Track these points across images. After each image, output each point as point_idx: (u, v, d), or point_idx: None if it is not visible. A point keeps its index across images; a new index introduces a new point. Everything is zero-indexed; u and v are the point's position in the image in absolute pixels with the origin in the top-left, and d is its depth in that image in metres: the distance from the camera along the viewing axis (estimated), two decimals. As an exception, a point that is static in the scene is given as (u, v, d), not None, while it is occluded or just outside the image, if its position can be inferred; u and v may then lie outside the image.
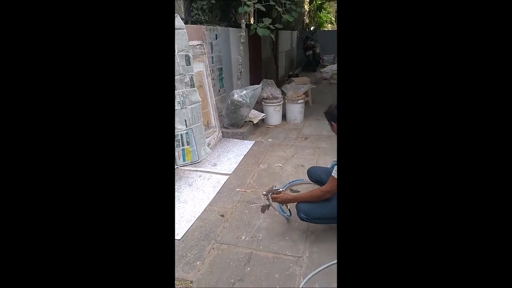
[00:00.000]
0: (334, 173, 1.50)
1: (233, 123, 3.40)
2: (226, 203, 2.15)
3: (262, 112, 3.86)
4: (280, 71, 6.71)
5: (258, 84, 3.61)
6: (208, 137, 3.07)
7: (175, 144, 2.63)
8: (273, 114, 3.85)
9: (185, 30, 2.66)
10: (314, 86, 4.56)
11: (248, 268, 1.56)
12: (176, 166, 2.66)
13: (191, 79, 2.74)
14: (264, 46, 5.42)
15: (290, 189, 2.33)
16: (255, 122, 3.64)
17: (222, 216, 2.01)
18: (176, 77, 2.54)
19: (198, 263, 1.60)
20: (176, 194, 2.27)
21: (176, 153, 2.65)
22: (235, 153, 3.00)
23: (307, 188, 2.26)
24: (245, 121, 3.59)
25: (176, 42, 2.53)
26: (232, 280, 1.48)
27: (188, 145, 2.70)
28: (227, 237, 1.80)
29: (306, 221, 1.67)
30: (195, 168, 2.66)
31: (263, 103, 3.88)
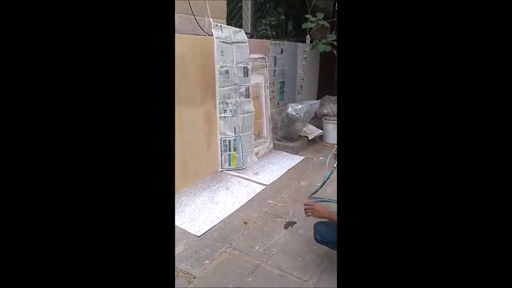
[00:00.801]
0: None
1: (286, 136, 3.42)
2: (253, 212, 2.18)
3: (321, 129, 3.76)
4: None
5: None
6: (257, 147, 3.16)
7: (223, 148, 2.80)
8: (332, 132, 3.71)
9: (247, 44, 2.83)
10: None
11: (250, 279, 1.55)
12: (220, 169, 2.82)
13: (247, 90, 2.89)
14: (338, 63, 5.29)
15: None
16: (310, 138, 3.57)
17: (245, 223, 2.04)
18: (231, 87, 2.72)
19: (206, 261, 1.67)
20: (213, 194, 2.40)
21: (223, 157, 2.82)
22: (280, 165, 3.00)
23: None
24: (300, 136, 3.56)
25: (236, 54, 2.72)
26: (230, 286, 1.50)
27: (234, 151, 2.84)
28: (242, 244, 1.82)
29: (320, 243, 1.57)
30: (237, 174, 2.78)
31: (323, 119, 3.78)
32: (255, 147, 3.11)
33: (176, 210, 2.16)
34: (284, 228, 2.00)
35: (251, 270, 1.61)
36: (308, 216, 1.57)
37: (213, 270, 1.61)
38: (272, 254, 1.74)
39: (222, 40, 2.58)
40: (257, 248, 1.79)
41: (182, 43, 2.22)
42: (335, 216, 1.50)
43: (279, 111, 3.65)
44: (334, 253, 1.65)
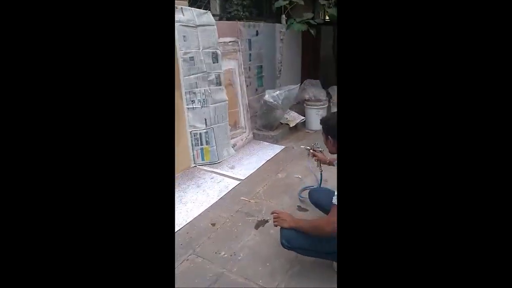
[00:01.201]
0: (335, 200, 1.18)
1: (266, 125, 3.22)
2: (223, 211, 2.01)
3: (303, 116, 3.56)
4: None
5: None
6: (234, 138, 2.96)
7: (194, 142, 2.61)
8: (315, 118, 3.50)
9: (215, 27, 2.59)
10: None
11: (210, 291, 1.39)
12: (194, 165, 2.63)
13: (218, 77, 2.67)
14: (324, 44, 5.02)
15: (297, 206, 2.06)
16: (291, 126, 3.38)
17: (213, 225, 1.88)
18: (198, 75, 2.49)
19: (165, 272, 1.51)
20: (182, 194, 2.23)
21: (195, 152, 2.63)
22: (259, 157, 2.82)
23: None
24: (281, 124, 3.37)
25: (202, 39, 2.48)
26: (187, 301, 1.35)
27: (207, 144, 2.65)
28: (207, 249, 1.66)
29: (287, 249, 1.40)
30: (211, 169, 2.59)
31: (305, 105, 3.58)
32: (231, 139, 2.91)
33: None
34: (255, 228, 1.84)
35: (213, 280, 1.45)
36: (275, 226, 1.39)
37: (170, 283, 1.44)
38: (239, 260, 1.58)
39: (183, 24, 2.34)
40: (223, 253, 1.63)
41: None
42: (301, 223, 1.33)
43: (258, 98, 3.43)
44: (305, 258, 1.48)
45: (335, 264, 1.43)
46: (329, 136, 1.38)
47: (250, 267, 1.52)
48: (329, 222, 1.17)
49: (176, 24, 2.29)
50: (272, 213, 1.44)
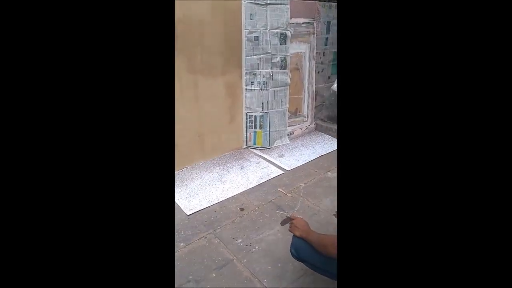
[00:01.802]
0: None
1: (331, 116, 2.96)
2: (256, 199, 1.97)
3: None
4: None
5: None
6: (293, 126, 2.83)
7: (248, 124, 2.59)
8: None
9: (288, 6, 2.44)
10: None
11: (214, 275, 1.40)
12: (245, 146, 2.64)
13: (283, 59, 2.54)
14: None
15: (336, 213, 1.85)
16: (361, 121, 3.03)
17: (242, 210, 1.86)
18: (261, 56, 2.41)
19: (182, 244, 1.58)
20: (224, 172, 2.27)
21: (248, 134, 2.61)
22: (313, 150, 2.64)
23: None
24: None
25: (271, 18, 2.37)
26: (190, 277, 1.38)
27: (261, 128, 2.60)
28: (226, 233, 1.66)
29: (295, 259, 1.28)
30: (260, 153, 2.55)
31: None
32: (289, 126, 2.79)
33: (180, 184, 2.11)
34: (280, 224, 1.74)
35: (221, 265, 1.45)
36: (290, 231, 1.26)
37: (183, 256, 1.50)
38: (252, 252, 1.53)
39: (252, 2, 2.26)
40: (240, 241, 1.60)
41: (200, 7, 2.02)
42: (311, 236, 1.17)
43: (329, 87, 3.16)
44: (319, 269, 1.33)
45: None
46: None
47: (260, 263, 1.46)
48: (335, 243, 1.00)
49: (244, 2, 2.23)
50: (290, 217, 1.32)
